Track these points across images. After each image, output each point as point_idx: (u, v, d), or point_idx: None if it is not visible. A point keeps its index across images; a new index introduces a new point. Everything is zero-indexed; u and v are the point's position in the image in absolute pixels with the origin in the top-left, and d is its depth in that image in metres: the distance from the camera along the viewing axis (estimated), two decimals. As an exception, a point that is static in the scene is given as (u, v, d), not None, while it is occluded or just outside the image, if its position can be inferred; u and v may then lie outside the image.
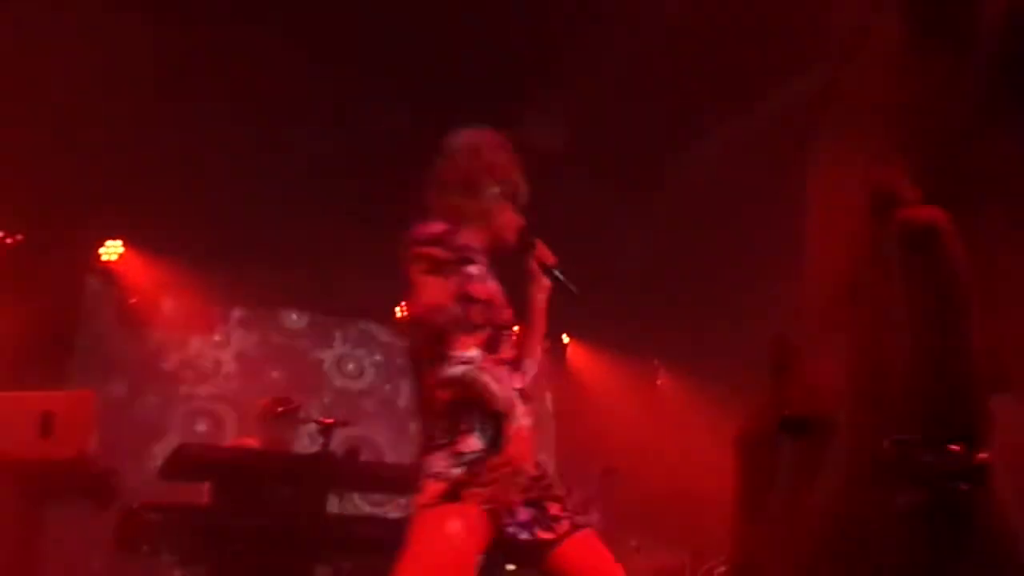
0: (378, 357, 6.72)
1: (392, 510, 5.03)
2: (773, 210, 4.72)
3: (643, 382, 6.95)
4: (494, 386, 1.93)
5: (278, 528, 3.34)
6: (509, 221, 2.22)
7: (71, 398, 3.85)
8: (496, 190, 2.20)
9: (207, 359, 6.17)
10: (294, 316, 6.54)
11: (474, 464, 1.88)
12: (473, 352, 1.95)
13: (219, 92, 4.52)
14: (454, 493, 1.84)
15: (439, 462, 1.89)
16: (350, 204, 5.17)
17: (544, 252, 2.25)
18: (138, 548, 3.14)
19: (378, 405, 6.58)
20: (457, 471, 1.87)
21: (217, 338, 6.23)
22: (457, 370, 1.93)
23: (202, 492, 3.69)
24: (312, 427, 3.86)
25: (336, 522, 3.66)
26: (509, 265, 2.26)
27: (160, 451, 5.16)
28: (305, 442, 4.53)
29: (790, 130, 4.05)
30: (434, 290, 1.94)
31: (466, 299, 2.02)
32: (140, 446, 5.61)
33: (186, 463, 3.45)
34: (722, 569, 4.84)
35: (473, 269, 2.09)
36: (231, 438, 5.62)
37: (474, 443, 1.91)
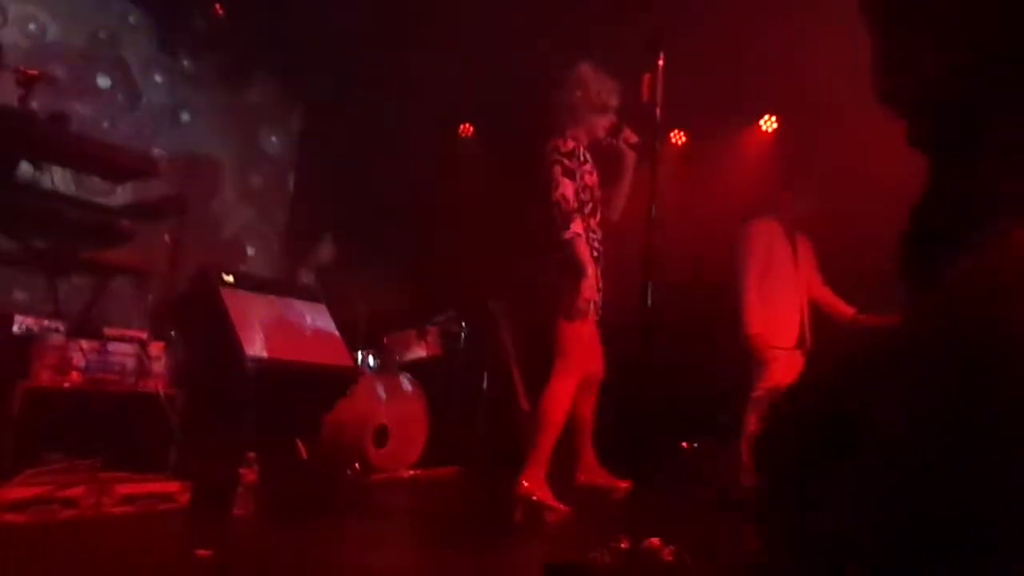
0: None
1: (98, 195, 4.42)
2: None
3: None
4: (583, 250, 3.28)
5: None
6: (601, 125, 3.53)
7: None
8: (594, 109, 3.49)
9: None
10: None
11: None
12: (579, 228, 3.30)
13: None
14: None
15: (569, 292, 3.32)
16: None
17: (628, 134, 3.56)
18: None
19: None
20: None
21: None
22: (569, 240, 3.28)
23: None
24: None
25: (26, 194, 3.14)
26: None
27: None
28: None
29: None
30: (565, 187, 3.31)
31: (581, 186, 3.40)
32: None
33: None
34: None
35: (587, 166, 3.47)
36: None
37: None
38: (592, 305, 3.38)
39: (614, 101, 3.51)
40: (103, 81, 5.36)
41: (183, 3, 5.55)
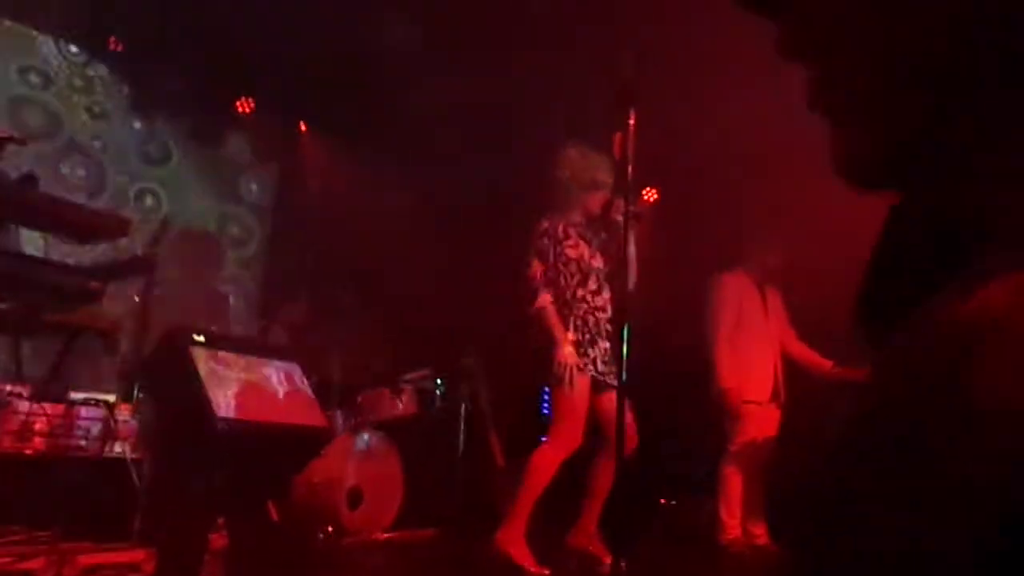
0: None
1: (69, 256, 4.40)
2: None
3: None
4: (553, 321, 3.44)
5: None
6: (595, 201, 3.61)
7: None
8: (583, 186, 3.60)
9: None
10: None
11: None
12: (546, 302, 3.47)
13: None
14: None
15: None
16: None
17: (618, 207, 3.33)
18: None
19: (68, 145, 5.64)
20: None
21: None
22: (537, 312, 3.46)
23: None
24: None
25: (-4, 255, 3.09)
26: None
27: None
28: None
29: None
30: (535, 267, 3.51)
31: (563, 261, 3.54)
32: None
33: None
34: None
35: (569, 241, 3.57)
36: None
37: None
38: (571, 370, 3.38)
39: (604, 176, 3.58)
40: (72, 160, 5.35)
41: (157, 64, 5.59)
